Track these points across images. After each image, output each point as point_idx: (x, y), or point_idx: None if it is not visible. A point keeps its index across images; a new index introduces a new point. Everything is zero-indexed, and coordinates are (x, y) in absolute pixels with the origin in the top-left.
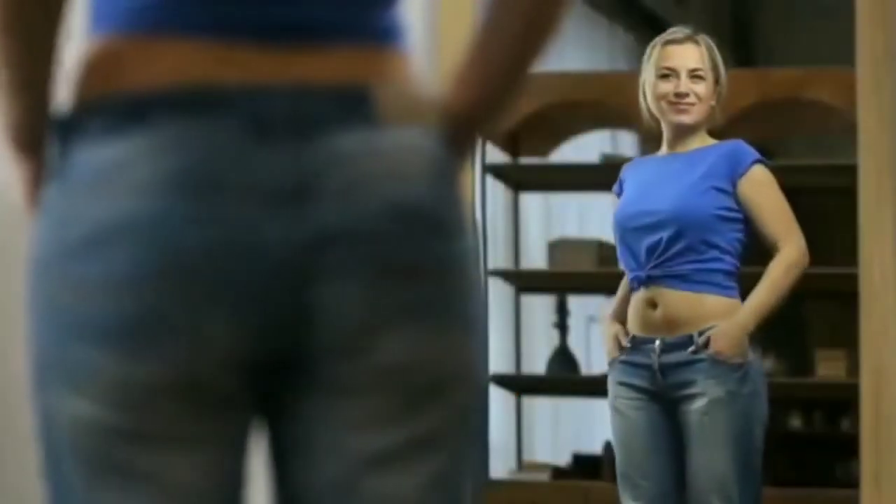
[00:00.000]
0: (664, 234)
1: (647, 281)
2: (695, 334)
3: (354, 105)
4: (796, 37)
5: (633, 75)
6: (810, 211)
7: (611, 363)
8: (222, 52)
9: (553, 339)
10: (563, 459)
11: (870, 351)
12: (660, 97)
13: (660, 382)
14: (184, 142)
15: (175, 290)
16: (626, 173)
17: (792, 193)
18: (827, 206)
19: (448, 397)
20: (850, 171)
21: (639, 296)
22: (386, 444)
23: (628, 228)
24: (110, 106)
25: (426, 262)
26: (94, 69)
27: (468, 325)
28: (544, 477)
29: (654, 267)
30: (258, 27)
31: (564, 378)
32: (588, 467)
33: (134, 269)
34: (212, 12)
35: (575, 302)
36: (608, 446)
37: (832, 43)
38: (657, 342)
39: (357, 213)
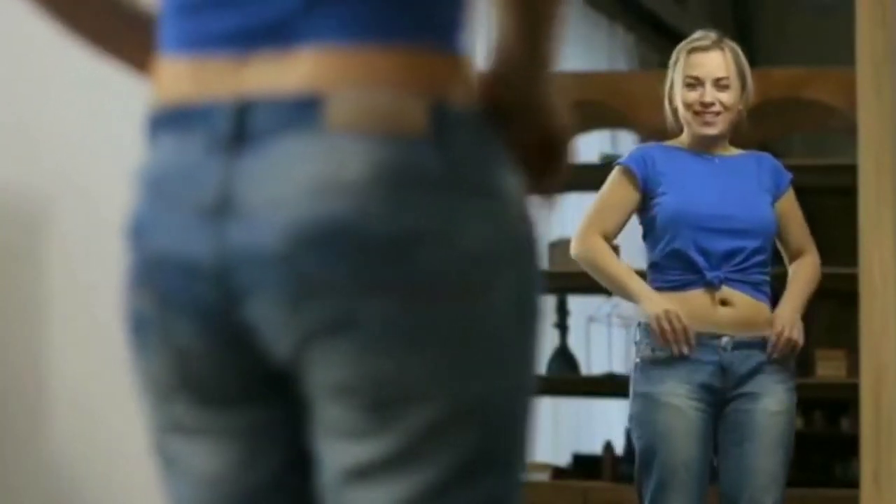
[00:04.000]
0: (748, 244)
1: (722, 282)
2: (770, 338)
3: (301, 115)
4: (796, 37)
5: (633, 75)
6: (810, 211)
7: (666, 360)
8: (196, 68)
9: (553, 339)
10: (563, 459)
11: (870, 351)
12: (686, 106)
13: (725, 379)
14: (167, 156)
15: (148, 294)
16: (659, 163)
17: None
18: (827, 206)
19: (407, 417)
20: (850, 171)
21: (706, 294)
22: (359, 458)
23: (703, 227)
24: (147, 120)
25: (348, 281)
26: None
27: (418, 343)
28: (544, 477)
29: (734, 271)
30: (221, 38)
31: (564, 378)
32: (588, 467)
33: (129, 269)
34: (185, 30)
35: (575, 302)
36: (608, 446)
37: (832, 43)
38: (724, 339)
39: (272, 232)
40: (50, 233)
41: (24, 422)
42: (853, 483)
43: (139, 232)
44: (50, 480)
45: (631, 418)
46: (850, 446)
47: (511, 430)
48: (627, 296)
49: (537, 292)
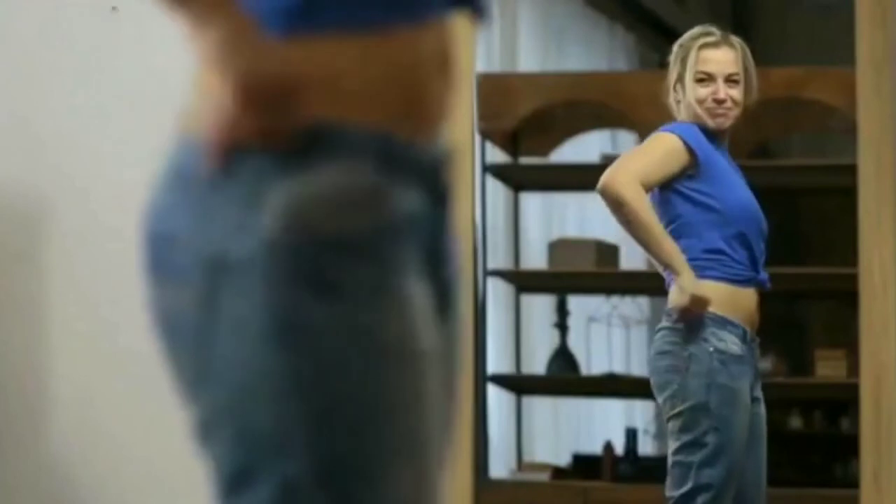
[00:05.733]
0: (763, 246)
1: (759, 283)
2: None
3: None
4: (796, 37)
5: (633, 75)
6: (810, 211)
7: (741, 357)
8: None
9: (553, 339)
10: (563, 459)
11: (870, 351)
12: (698, 101)
13: (754, 380)
14: None
15: None
16: (708, 146)
17: (792, 193)
18: (827, 206)
19: (188, 409)
20: (850, 171)
21: (755, 294)
22: None
23: (758, 223)
24: None
25: (144, 273)
26: None
27: (174, 342)
28: (544, 477)
29: (762, 272)
30: None
31: (564, 378)
32: (588, 467)
33: None
34: None
35: (575, 302)
36: (608, 446)
37: (832, 43)
38: (756, 342)
39: None
40: (50, 233)
41: (24, 422)
42: (853, 483)
43: None
44: (50, 480)
45: (701, 406)
46: (850, 446)
47: (274, 451)
48: (663, 261)
49: (320, 314)
